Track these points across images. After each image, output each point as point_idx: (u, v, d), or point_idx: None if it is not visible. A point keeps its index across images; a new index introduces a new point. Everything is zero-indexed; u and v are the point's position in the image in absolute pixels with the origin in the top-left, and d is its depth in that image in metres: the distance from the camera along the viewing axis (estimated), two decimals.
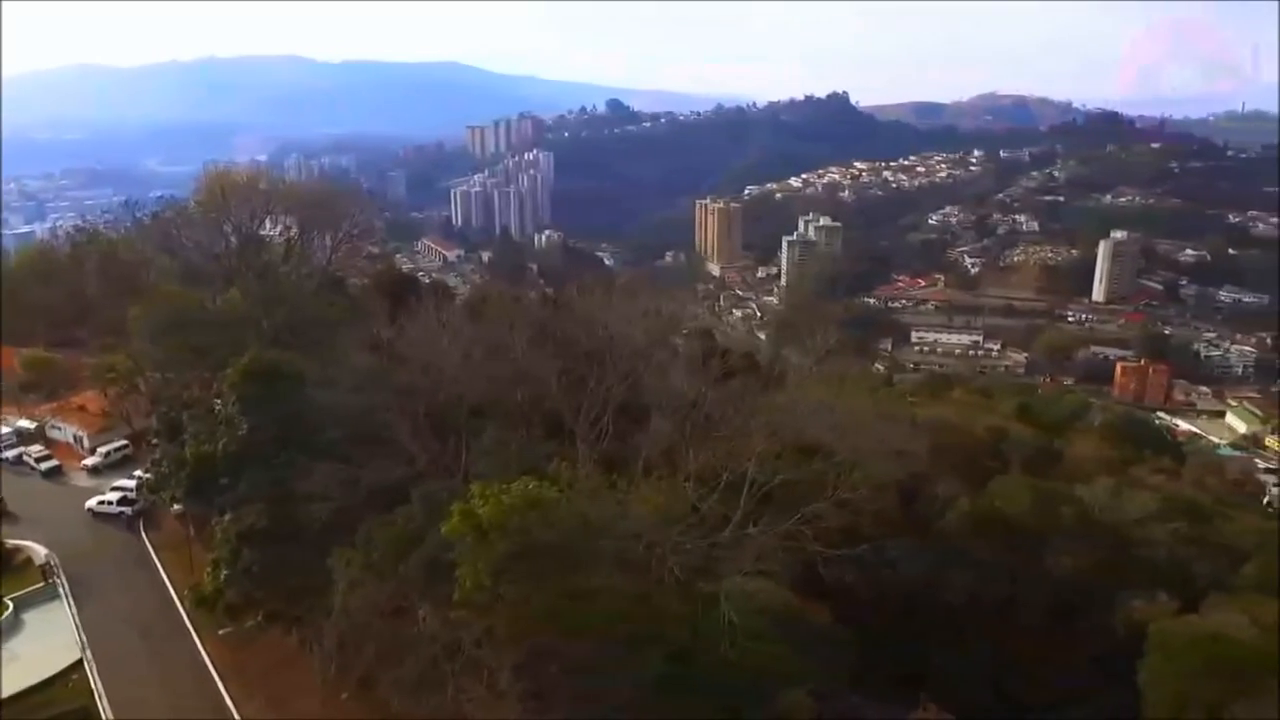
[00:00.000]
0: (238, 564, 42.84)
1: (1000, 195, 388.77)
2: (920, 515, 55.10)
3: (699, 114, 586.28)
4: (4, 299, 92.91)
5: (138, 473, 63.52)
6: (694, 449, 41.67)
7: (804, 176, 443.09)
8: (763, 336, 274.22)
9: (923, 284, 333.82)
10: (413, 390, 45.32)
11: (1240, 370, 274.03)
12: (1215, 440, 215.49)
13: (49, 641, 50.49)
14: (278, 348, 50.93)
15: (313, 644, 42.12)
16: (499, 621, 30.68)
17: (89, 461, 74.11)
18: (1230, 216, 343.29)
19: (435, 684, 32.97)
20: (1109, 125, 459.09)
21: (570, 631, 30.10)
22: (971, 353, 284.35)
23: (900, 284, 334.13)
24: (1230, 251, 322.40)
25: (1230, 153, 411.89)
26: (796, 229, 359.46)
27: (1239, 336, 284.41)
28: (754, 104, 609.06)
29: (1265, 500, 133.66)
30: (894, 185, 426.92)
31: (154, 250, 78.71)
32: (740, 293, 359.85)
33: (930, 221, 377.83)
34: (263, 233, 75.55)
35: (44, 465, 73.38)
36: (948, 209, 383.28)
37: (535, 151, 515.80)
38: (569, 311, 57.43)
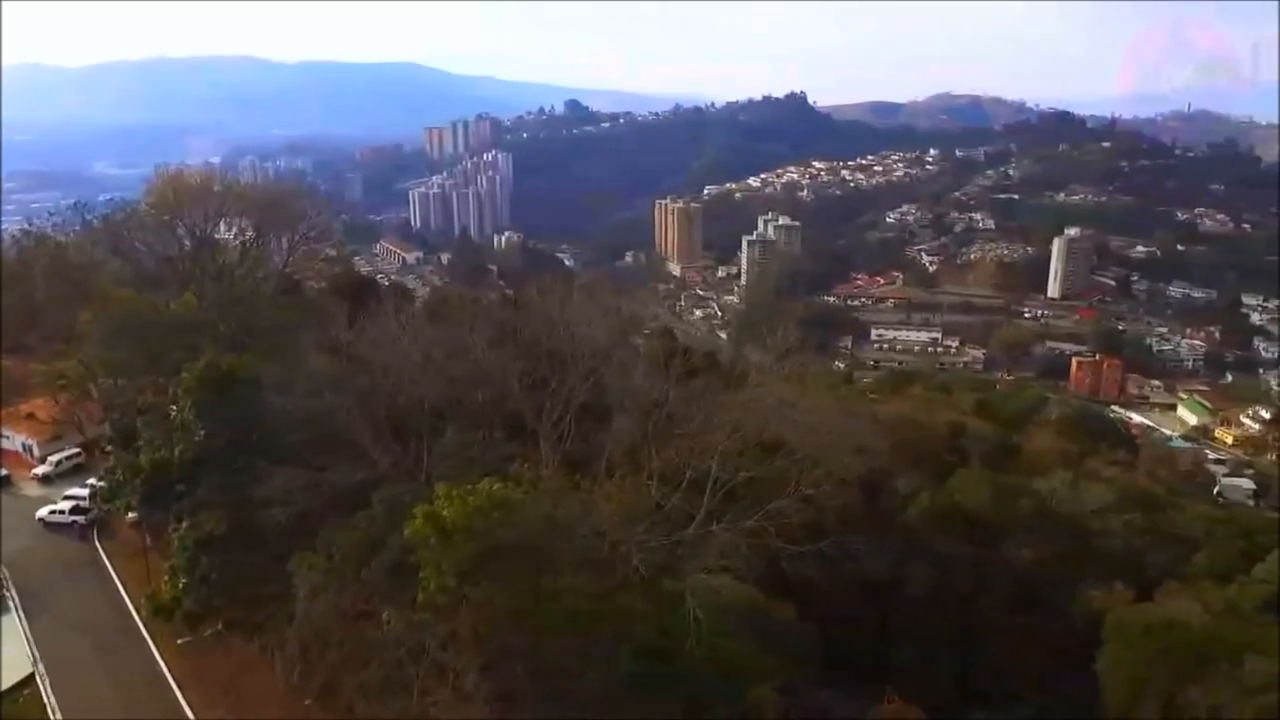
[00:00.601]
0: (196, 571, 42.09)
1: (957, 194, 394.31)
2: (882, 510, 55.64)
3: (658, 114, 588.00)
4: None
5: (91, 481, 62.24)
6: (657, 448, 41.73)
7: (763, 176, 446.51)
8: (724, 335, 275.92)
9: (881, 282, 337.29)
10: (373, 393, 44.92)
11: (1190, 364, 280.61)
12: (1167, 432, 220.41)
13: None
14: (235, 352, 50.16)
15: (274, 651, 41.57)
16: (464, 623, 30.48)
17: (39, 470, 72.32)
18: (1179, 214, 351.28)
19: (400, 688, 32.66)
20: (1061, 124, 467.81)
21: (536, 631, 30.02)
22: (930, 349, 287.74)
23: (859, 282, 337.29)
24: (1179, 248, 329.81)
25: (1178, 152, 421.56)
26: (756, 228, 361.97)
27: (1189, 331, 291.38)
28: (712, 104, 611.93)
29: (1215, 490, 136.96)
30: (852, 184, 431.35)
31: (105, 254, 77.16)
32: (701, 292, 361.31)
33: (888, 220, 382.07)
34: (217, 236, 74.43)
35: None
36: (905, 207, 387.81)
37: (494, 152, 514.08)
38: (529, 312, 57.16)
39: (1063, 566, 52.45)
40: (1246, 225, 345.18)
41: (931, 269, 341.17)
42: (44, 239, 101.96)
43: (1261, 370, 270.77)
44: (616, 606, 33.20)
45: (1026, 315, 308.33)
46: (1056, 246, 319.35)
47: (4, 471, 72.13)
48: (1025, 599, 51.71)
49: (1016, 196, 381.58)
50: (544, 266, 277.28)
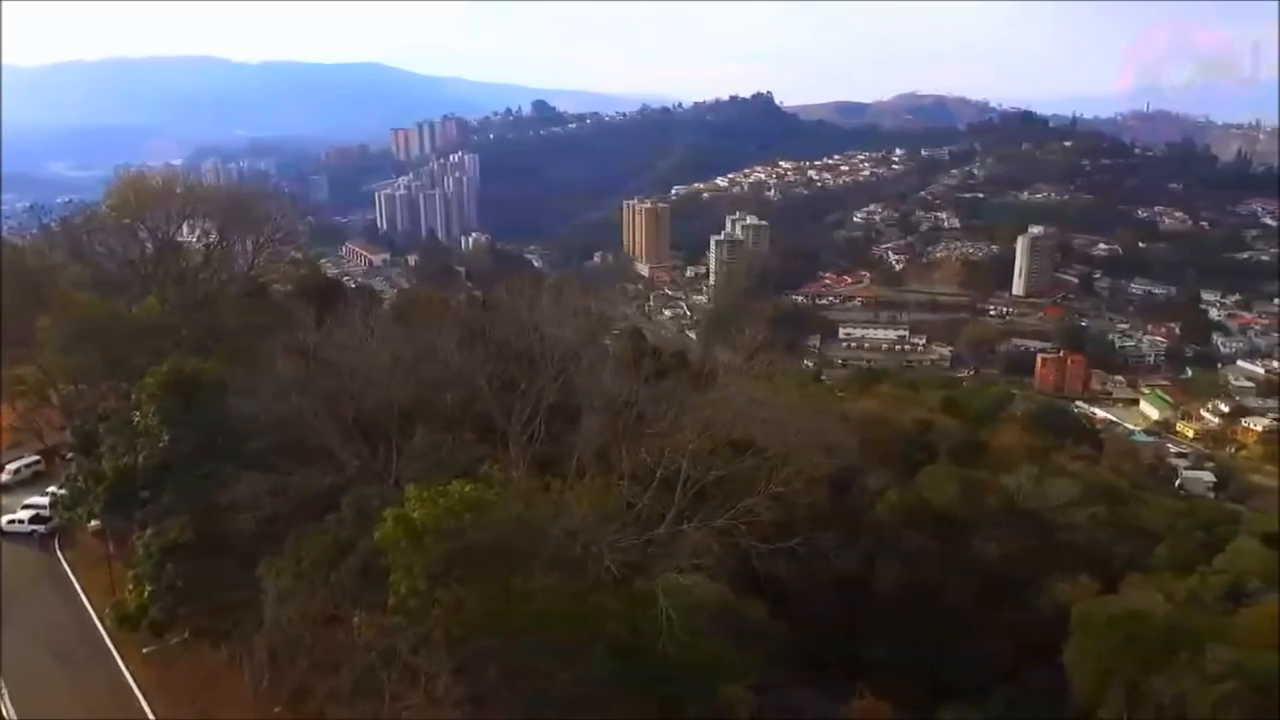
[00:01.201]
0: (162, 579, 41.44)
1: (922, 193, 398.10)
2: (851, 507, 56.01)
3: (624, 115, 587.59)
4: None
5: (52, 489, 61.06)
6: (627, 448, 41.69)
7: (730, 176, 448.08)
8: (693, 335, 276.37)
9: (849, 281, 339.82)
10: (341, 396, 44.48)
11: (1152, 359, 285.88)
12: (1130, 427, 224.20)
13: None
14: (199, 356, 49.54)
15: (243, 658, 41.03)
16: (436, 626, 30.28)
17: None
18: (1139, 212, 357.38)
19: (371, 693, 32.37)
20: (1024, 124, 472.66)
21: (509, 633, 29.89)
22: (898, 347, 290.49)
23: (827, 281, 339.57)
24: (1140, 245, 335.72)
25: (1138, 150, 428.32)
26: (724, 228, 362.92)
27: (1150, 327, 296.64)
28: (680, 105, 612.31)
29: (1176, 483, 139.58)
30: (819, 184, 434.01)
31: (64, 258, 75.81)
32: (670, 292, 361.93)
33: (855, 219, 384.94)
34: (180, 239, 73.45)
35: None
36: (872, 207, 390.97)
37: (461, 154, 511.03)
38: (498, 313, 56.95)
39: (1030, 560, 53.12)
40: (1204, 223, 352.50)
41: (898, 268, 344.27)
42: None
43: (1220, 365, 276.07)
44: (589, 607, 33.14)
45: (992, 313, 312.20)
46: (1020, 245, 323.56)
47: None
48: (994, 593, 52.28)
49: (981, 195, 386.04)
50: (512, 268, 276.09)
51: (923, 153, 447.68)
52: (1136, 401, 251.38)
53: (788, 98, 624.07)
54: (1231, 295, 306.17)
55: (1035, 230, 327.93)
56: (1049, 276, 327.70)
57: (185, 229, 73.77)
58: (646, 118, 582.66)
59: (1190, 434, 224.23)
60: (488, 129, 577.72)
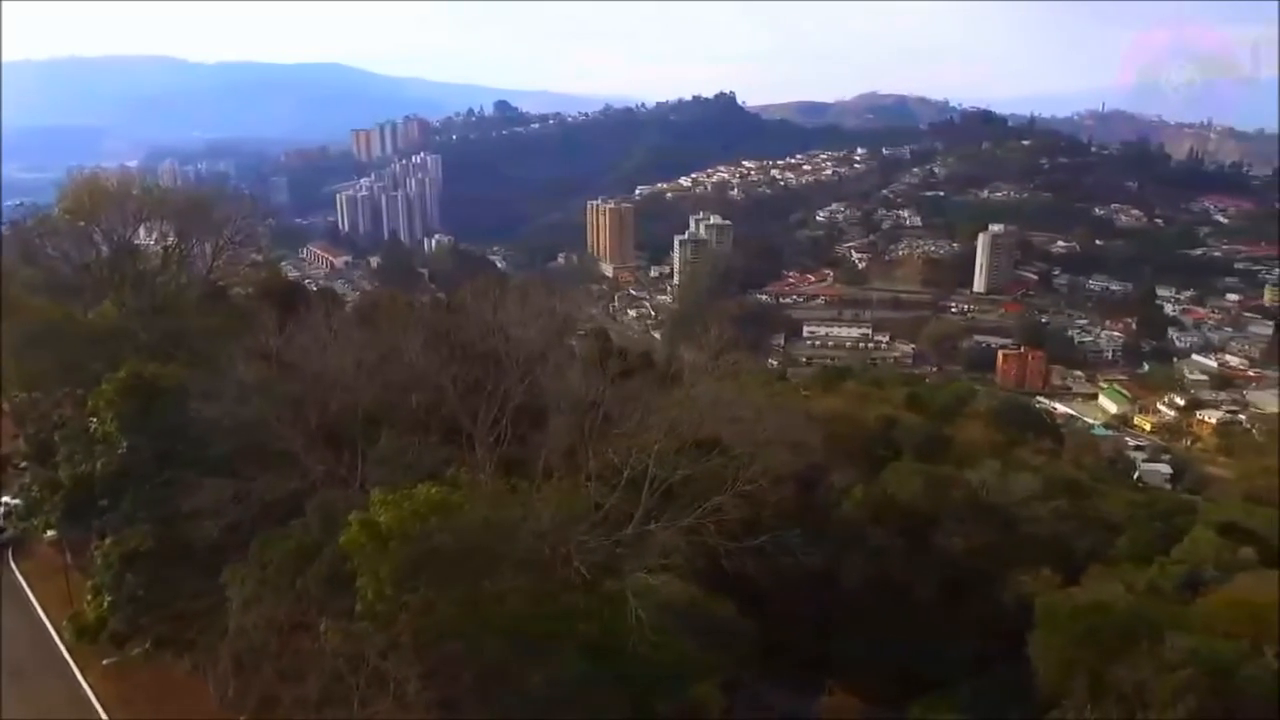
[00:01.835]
0: (122, 589, 40.67)
1: (884, 191, 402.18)
2: (818, 504, 56.14)
3: (587, 115, 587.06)
4: None
5: (4, 499, 59.76)
6: (594, 448, 41.58)
7: (694, 176, 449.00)
8: (658, 335, 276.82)
9: (813, 279, 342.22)
10: (304, 400, 43.90)
11: (1110, 354, 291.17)
12: (1090, 421, 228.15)
13: None
14: (158, 361, 48.64)
15: (207, 667, 40.38)
16: (404, 631, 30.01)
17: None
18: (1096, 210, 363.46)
19: (339, 699, 31.97)
20: (983, 123, 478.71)
21: (478, 636, 29.71)
22: (861, 345, 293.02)
23: (791, 280, 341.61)
24: (1097, 242, 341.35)
25: (1094, 149, 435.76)
26: (688, 228, 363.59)
27: (1108, 322, 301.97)
28: (643, 105, 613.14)
29: (1135, 475, 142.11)
30: (782, 183, 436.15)
31: (15, 261, 74.16)
32: (634, 292, 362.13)
33: (818, 218, 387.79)
34: (137, 242, 72.09)
35: None
36: (834, 205, 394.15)
37: (423, 154, 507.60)
38: (462, 315, 56.53)
39: (994, 554, 53.54)
40: (1159, 220, 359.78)
41: (861, 266, 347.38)
42: None
43: (1175, 359, 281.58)
44: (558, 608, 33.04)
45: (953, 310, 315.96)
46: (981, 242, 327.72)
47: None
48: (958, 586, 52.67)
49: (942, 194, 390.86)
50: (476, 269, 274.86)
51: (884, 152, 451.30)
52: (1095, 396, 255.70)
53: (750, 98, 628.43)
54: (1186, 291, 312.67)
55: (995, 228, 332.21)
56: (1009, 274, 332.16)
57: (142, 232, 72.37)
58: (610, 118, 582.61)
59: (1148, 427, 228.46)
60: (450, 129, 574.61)
